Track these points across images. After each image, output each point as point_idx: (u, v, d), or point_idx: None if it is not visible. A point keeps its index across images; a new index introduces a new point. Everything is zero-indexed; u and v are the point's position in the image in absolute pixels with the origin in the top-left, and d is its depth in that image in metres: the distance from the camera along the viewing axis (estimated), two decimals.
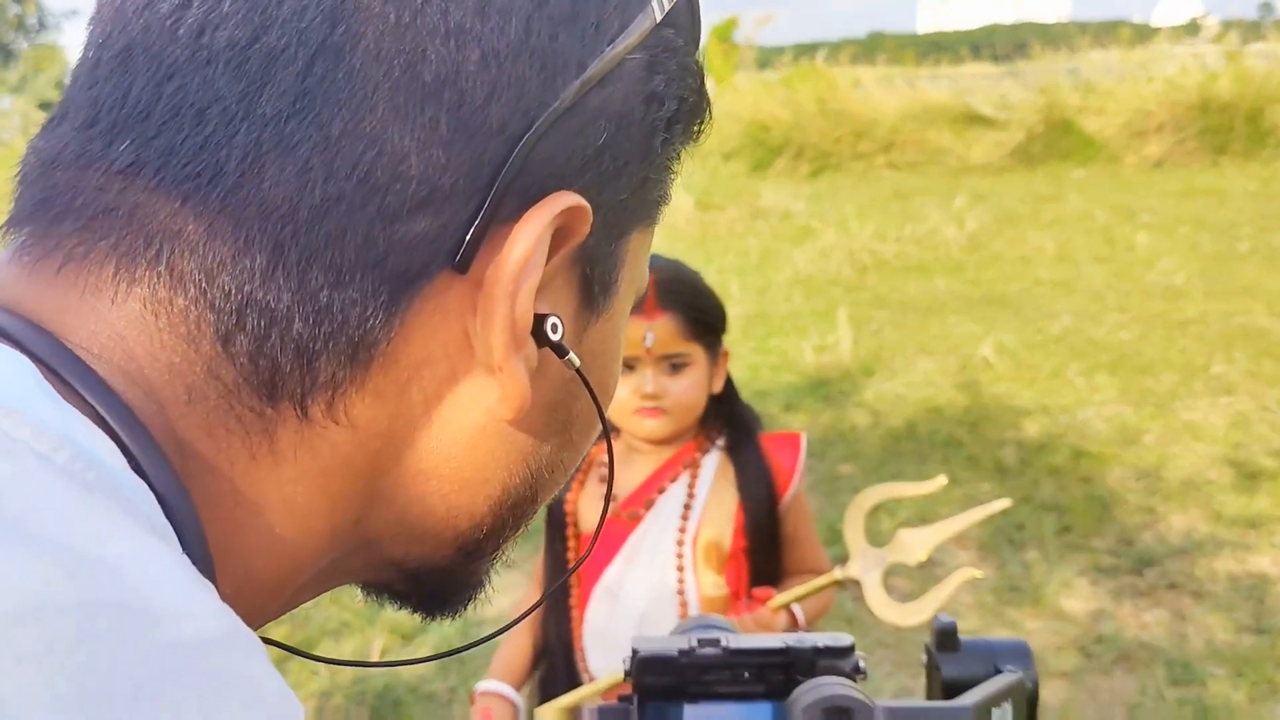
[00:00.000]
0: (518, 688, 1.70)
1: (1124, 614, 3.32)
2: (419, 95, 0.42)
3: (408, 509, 0.48)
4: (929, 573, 2.98)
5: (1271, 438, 4.63)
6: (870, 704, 0.66)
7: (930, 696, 0.81)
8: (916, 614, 1.48)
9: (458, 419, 0.47)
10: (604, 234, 0.48)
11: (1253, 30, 17.98)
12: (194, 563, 0.37)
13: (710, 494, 1.62)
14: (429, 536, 0.50)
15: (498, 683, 1.69)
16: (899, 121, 15.08)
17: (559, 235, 0.45)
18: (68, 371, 0.39)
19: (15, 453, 0.34)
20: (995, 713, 0.73)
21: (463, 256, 0.43)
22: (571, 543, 1.66)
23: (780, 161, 14.65)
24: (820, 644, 0.77)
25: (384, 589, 0.55)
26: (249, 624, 0.45)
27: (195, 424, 0.41)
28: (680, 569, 1.59)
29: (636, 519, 1.62)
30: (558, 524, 1.68)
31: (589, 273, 0.49)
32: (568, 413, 0.52)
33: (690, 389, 1.58)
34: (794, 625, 1.56)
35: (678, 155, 0.53)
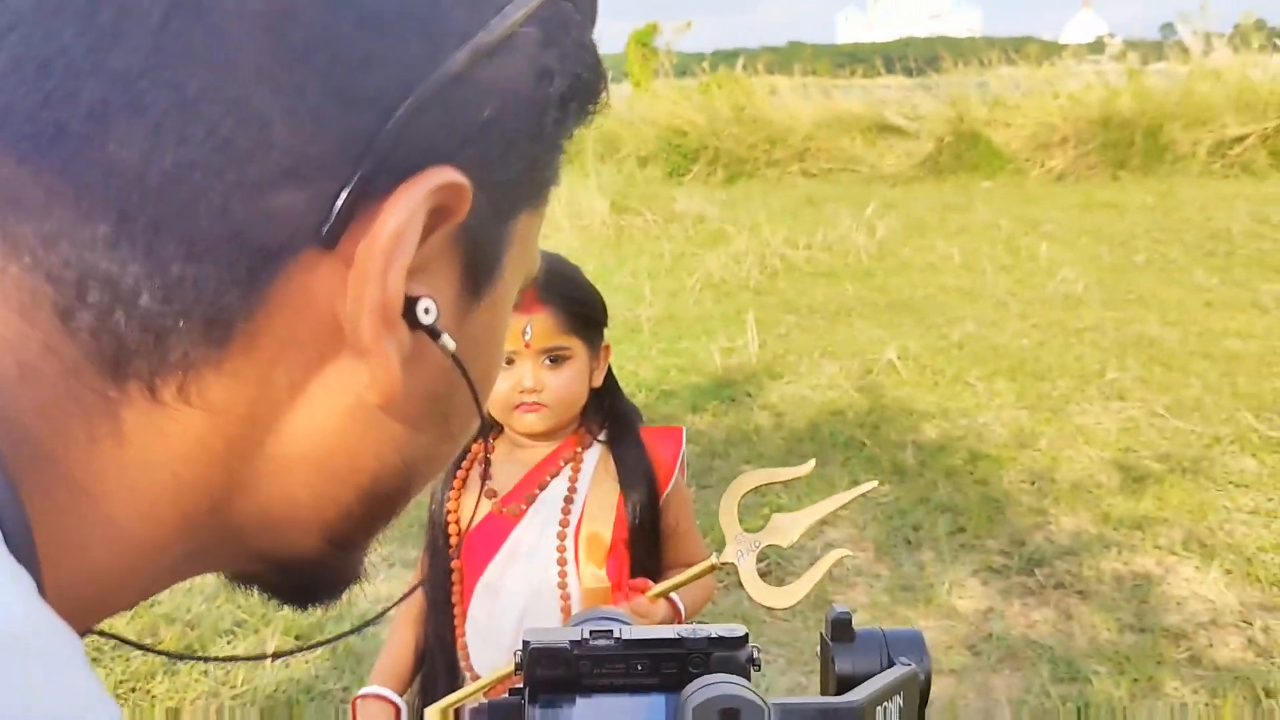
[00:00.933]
0: (401, 691, 1.68)
1: (1013, 613, 3.40)
2: (287, 58, 0.39)
3: (271, 498, 0.45)
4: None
5: (1159, 442, 4.77)
6: (762, 703, 0.66)
7: (824, 689, 0.81)
8: (789, 596, 1.49)
9: (326, 404, 0.44)
10: (488, 214, 0.45)
11: (1154, 50, 18.51)
12: (15, 554, 0.34)
13: (591, 488, 1.62)
14: (295, 527, 0.47)
15: (379, 687, 1.67)
16: (813, 130, 15.26)
17: (436, 214, 0.42)
18: None
19: None
20: (887, 706, 0.73)
21: (330, 231, 0.40)
22: (454, 540, 1.65)
23: (696, 167, 14.74)
24: (714, 634, 0.77)
25: (251, 579, 0.51)
26: (90, 616, 0.42)
27: (27, 405, 0.38)
28: (562, 563, 1.59)
29: (518, 514, 1.61)
30: (438, 524, 1.67)
31: (471, 255, 0.46)
32: (448, 404, 0.49)
33: (570, 383, 1.58)
34: (675, 615, 1.56)
35: (569, 135, 0.50)
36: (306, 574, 0.51)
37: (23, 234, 0.38)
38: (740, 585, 1.52)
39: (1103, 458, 4.60)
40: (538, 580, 1.59)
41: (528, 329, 1.53)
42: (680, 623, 1.59)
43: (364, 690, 1.67)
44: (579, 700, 0.78)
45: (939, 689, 2.99)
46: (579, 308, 1.59)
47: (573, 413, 1.62)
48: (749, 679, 0.73)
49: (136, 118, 0.38)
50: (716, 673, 0.74)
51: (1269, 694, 2.89)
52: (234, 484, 0.43)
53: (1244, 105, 13.69)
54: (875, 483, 1.56)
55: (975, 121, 14.55)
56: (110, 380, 0.39)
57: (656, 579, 1.57)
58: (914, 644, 0.80)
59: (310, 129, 0.39)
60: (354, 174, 0.40)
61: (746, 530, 1.53)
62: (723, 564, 1.53)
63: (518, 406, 1.57)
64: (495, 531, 1.62)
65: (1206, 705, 2.85)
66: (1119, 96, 14.20)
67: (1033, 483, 4.35)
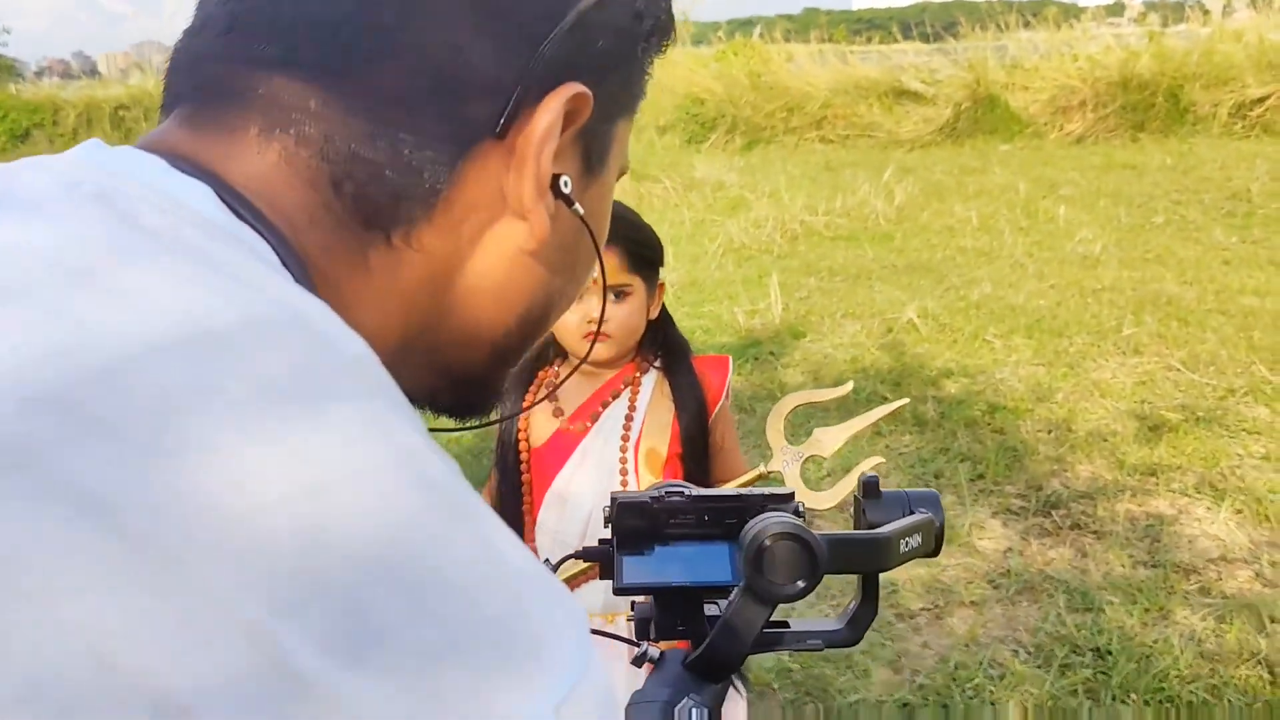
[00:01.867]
0: None
1: (1031, 551, 3.56)
2: (477, 8, 0.57)
3: (461, 321, 0.64)
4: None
5: (1174, 394, 4.91)
6: (807, 532, 0.82)
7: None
8: (830, 498, 1.66)
9: (495, 251, 0.62)
10: (600, 118, 0.63)
11: (1175, 12, 18.43)
12: None
13: (649, 408, 1.80)
14: (474, 343, 0.66)
15: None
16: (830, 96, 15.32)
17: (569, 116, 0.60)
18: (230, 197, 0.53)
19: (169, 211, 0.49)
20: (909, 540, 0.90)
21: (502, 128, 0.58)
22: (524, 455, 1.83)
23: (714, 135, 14.84)
24: (767, 493, 0.94)
25: (427, 396, 0.69)
26: None
27: (314, 242, 0.56)
28: (624, 473, 1.78)
29: (584, 430, 1.80)
30: (508, 443, 1.84)
31: (588, 147, 0.64)
32: (576, 253, 0.69)
33: (631, 315, 1.76)
34: None
35: (651, 61, 0.68)
36: (473, 388, 0.71)
37: (312, 134, 0.57)
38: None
39: (1119, 409, 4.74)
40: (602, 487, 1.78)
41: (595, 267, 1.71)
42: None
43: None
44: (658, 548, 0.94)
45: (959, 620, 3.16)
46: (640, 248, 1.76)
47: (633, 342, 1.80)
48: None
49: (397, 58, 0.57)
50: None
51: (1274, 619, 3.04)
52: (436, 309, 0.62)
53: (1265, 66, 13.67)
54: (906, 400, 1.73)
55: (993, 85, 14.57)
56: (364, 230, 0.58)
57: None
58: (931, 500, 0.96)
59: (491, 56, 0.58)
60: (517, 87, 0.58)
61: (791, 444, 1.70)
62: (770, 472, 1.70)
63: (586, 336, 1.74)
64: (563, 446, 1.81)
65: (1214, 631, 3.01)
66: (1139, 58, 14.20)
67: (1050, 432, 4.50)
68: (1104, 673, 2.84)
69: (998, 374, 5.27)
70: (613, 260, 1.73)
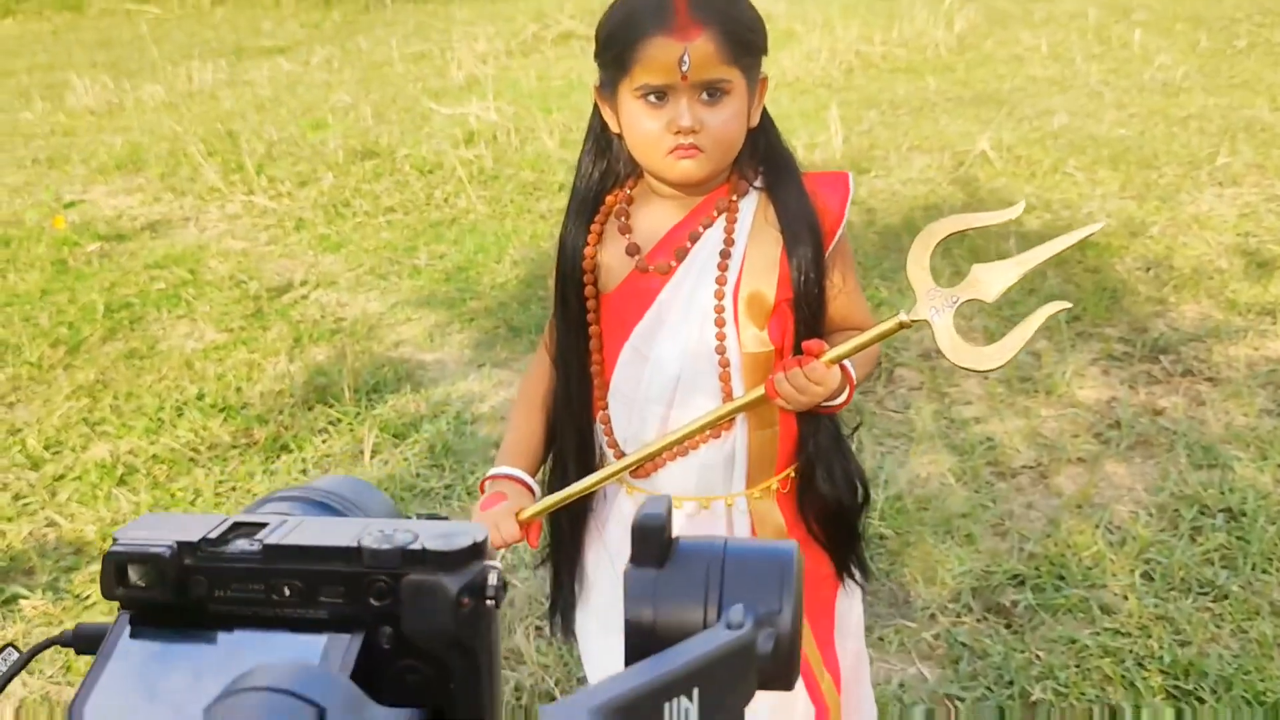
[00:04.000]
0: (532, 472, 1.53)
1: (1139, 401, 3.21)
2: None
3: None
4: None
5: None
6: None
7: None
8: (996, 357, 1.31)
9: None
10: None
11: None
12: None
13: (750, 239, 1.41)
14: None
15: (508, 467, 1.51)
16: None
17: None
18: None
19: None
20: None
21: None
22: (591, 303, 1.46)
23: None
24: (422, 543, 0.49)
25: None
26: None
27: None
28: (720, 324, 1.39)
29: (667, 271, 1.41)
30: (571, 283, 1.47)
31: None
32: None
33: (730, 122, 1.35)
34: (849, 384, 1.38)
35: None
36: None
37: None
38: (935, 347, 1.34)
39: (1222, 244, 4.32)
40: (693, 344, 1.40)
41: (685, 57, 1.29)
42: (852, 391, 1.42)
43: (493, 470, 1.52)
44: (189, 637, 0.50)
45: (1068, 478, 2.83)
46: (743, 31, 1.34)
47: (731, 157, 1.39)
48: (458, 621, 0.48)
49: None
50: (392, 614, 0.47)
51: None
52: None
53: None
54: (1102, 223, 1.35)
55: None
56: None
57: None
58: (769, 577, 0.51)
59: None
60: None
61: (940, 286, 1.34)
62: (913, 321, 1.34)
63: (672, 151, 1.35)
64: (641, 291, 1.42)
65: None
66: None
67: (1149, 270, 4.10)
68: (1241, 538, 2.51)
69: (1084, 208, 4.84)
70: (706, 48, 1.32)
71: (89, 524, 2.86)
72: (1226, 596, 2.34)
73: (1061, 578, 2.43)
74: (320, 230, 5.33)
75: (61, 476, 3.13)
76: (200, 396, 3.53)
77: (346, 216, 5.53)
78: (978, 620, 2.33)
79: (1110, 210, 4.81)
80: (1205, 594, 2.36)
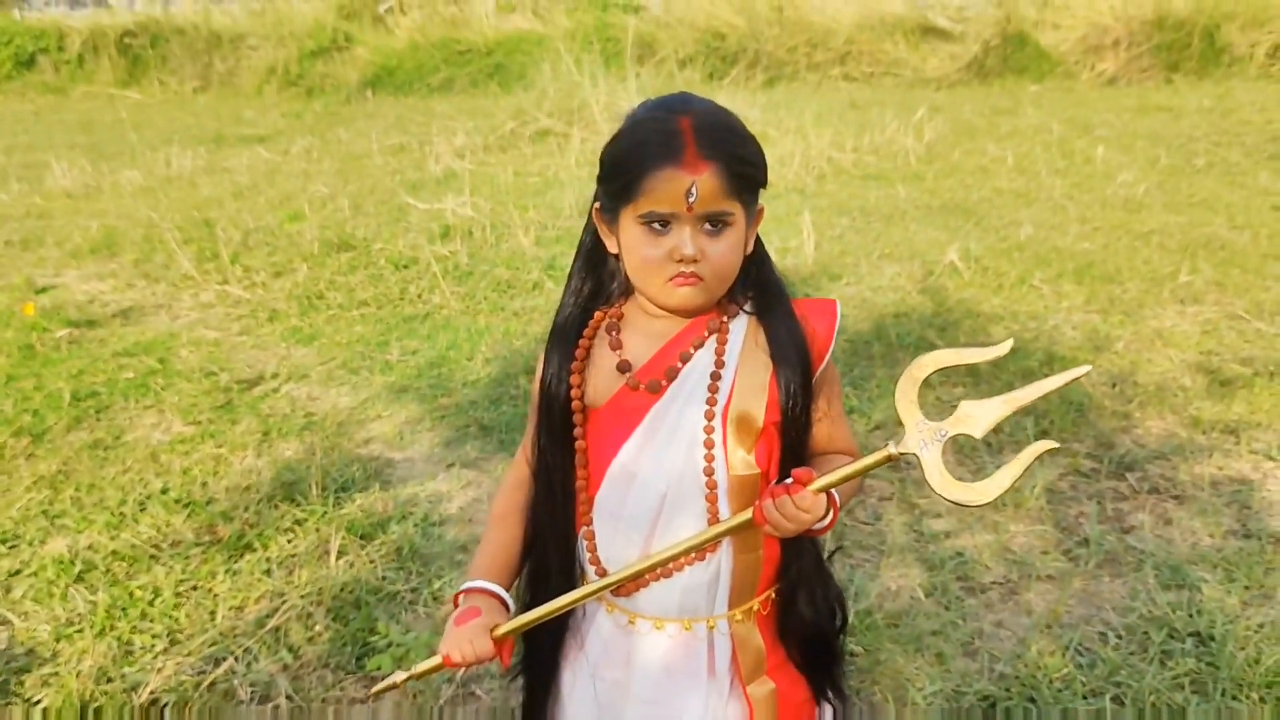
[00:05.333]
0: (506, 586, 1.51)
1: (1107, 518, 3.23)
2: None
3: None
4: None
5: (1241, 345, 4.56)
6: None
7: None
8: (987, 493, 1.31)
9: None
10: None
11: None
12: None
13: (740, 362, 1.42)
14: None
15: (483, 580, 1.50)
16: (855, 32, 14.80)
17: None
18: None
19: None
20: None
21: None
22: (578, 417, 1.46)
23: (735, 70, 14.32)
24: None
25: None
26: None
27: None
28: (709, 445, 1.40)
29: (658, 391, 1.42)
30: (555, 401, 1.46)
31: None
32: None
33: (729, 252, 1.37)
34: (832, 506, 1.38)
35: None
36: None
37: None
38: (923, 480, 1.34)
39: (1185, 361, 4.39)
40: (679, 465, 1.40)
41: (692, 190, 1.32)
42: (835, 517, 1.42)
43: (466, 584, 1.50)
44: None
45: (1037, 596, 2.83)
46: (745, 167, 1.37)
47: (728, 285, 1.41)
48: None
49: None
50: None
51: None
52: None
53: None
54: (1088, 367, 1.38)
55: (1023, 22, 14.05)
56: None
57: (803, 465, 1.39)
58: None
59: None
60: None
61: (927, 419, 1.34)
62: (902, 454, 1.34)
63: (673, 278, 1.37)
64: (630, 409, 1.42)
65: None
66: None
67: (1114, 385, 4.15)
68: (1210, 663, 2.51)
69: (1050, 321, 4.92)
70: (712, 182, 1.34)
71: (43, 623, 2.79)
72: None
73: (1032, 700, 2.42)
74: (293, 322, 5.33)
75: (17, 572, 3.06)
76: (164, 490, 3.47)
77: (320, 309, 5.53)
78: None
79: (1075, 324, 4.89)
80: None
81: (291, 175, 9.66)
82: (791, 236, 6.33)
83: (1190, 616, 2.69)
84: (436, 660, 1.45)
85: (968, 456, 3.58)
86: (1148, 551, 3.01)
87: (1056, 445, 1.35)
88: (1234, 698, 2.40)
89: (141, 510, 3.36)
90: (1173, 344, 4.59)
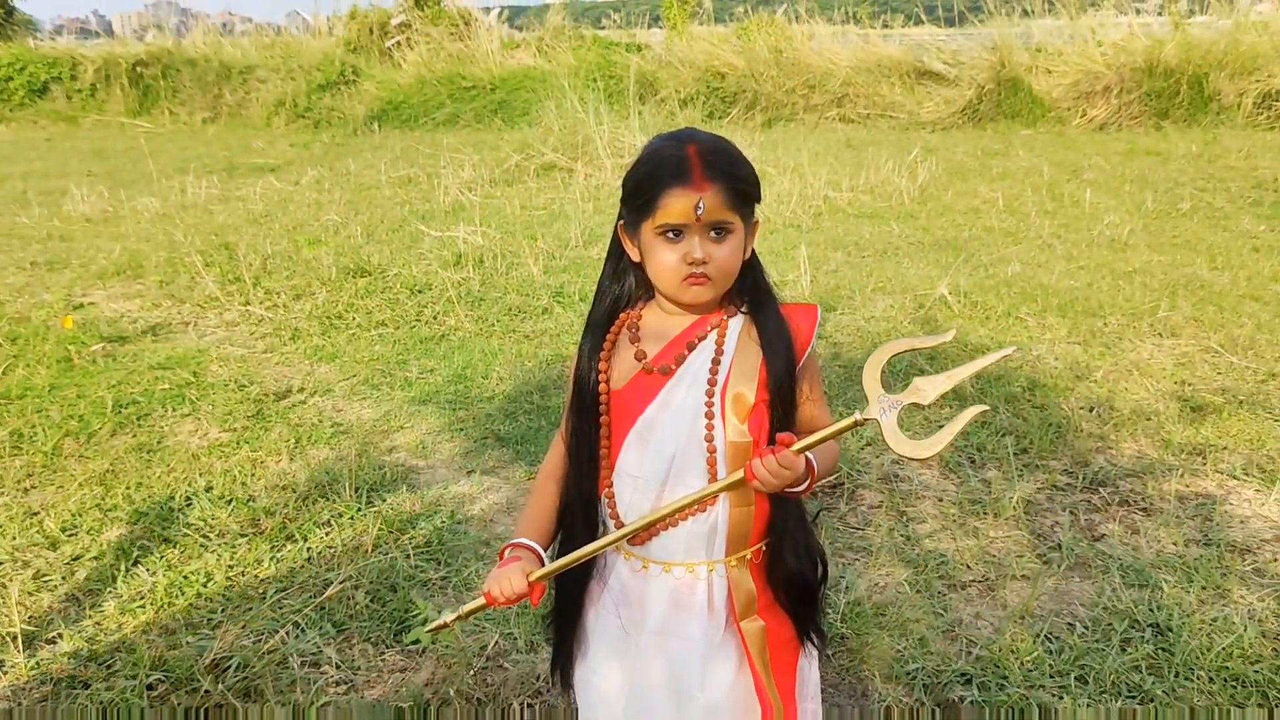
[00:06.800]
0: (544, 545, 1.80)
1: (1080, 526, 3.50)
2: None
3: None
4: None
5: (1214, 377, 4.84)
6: None
7: None
8: (930, 448, 1.59)
9: None
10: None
11: (1197, 2, 18.23)
12: None
13: (736, 352, 1.72)
14: None
15: (523, 538, 1.79)
16: (852, 75, 15.19)
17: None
18: None
19: None
20: None
21: None
22: (603, 398, 1.75)
23: (735, 110, 14.71)
24: None
25: None
26: None
27: None
28: (709, 417, 1.69)
29: (668, 373, 1.72)
30: (586, 385, 1.76)
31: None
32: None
33: (731, 255, 1.67)
34: (811, 472, 1.67)
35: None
36: None
37: None
38: (883, 442, 1.63)
39: (1160, 389, 4.68)
40: (686, 431, 1.70)
41: (700, 204, 1.62)
42: (814, 480, 1.70)
43: (511, 540, 1.79)
44: None
45: (1012, 592, 3.10)
46: (742, 184, 1.67)
47: (730, 283, 1.71)
48: None
49: None
50: None
51: None
52: None
53: None
54: (1015, 347, 1.67)
55: (1017, 68, 14.45)
56: None
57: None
58: None
59: None
60: None
61: (887, 393, 1.63)
62: (865, 420, 1.63)
63: (686, 279, 1.67)
64: (645, 389, 1.73)
65: (1275, 613, 2.95)
66: (1163, 45, 14.07)
67: (1092, 410, 4.44)
68: (1166, 649, 2.78)
69: (1034, 351, 5.21)
70: (716, 198, 1.65)
71: (108, 600, 3.06)
72: (1152, 699, 2.59)
73: (1005, 678, 2.68)
74: (315, 341, 5.61)
75: (78, 557, 3.33)
76: (208, 488, 3.75)
77: (340, 329, 5.81)
78: (929, 714, 2.57)
79: (1058, 354, 5.18)
80: (1133, 697, 2.61)
81: (304, 204, 9.97)
82: (789, 270, 6.64)
83: (1151, 610, 2.96)
84: (480, 601, 1.73)
85: (926, 432, 3.87)
86: (1115, 556, 3.28)
87: (987, 408, 1.64)
88: (1186, 679, 2.66)
89: (188, 505, 3.64)
90: (1149, 374, 4.88)
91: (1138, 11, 17.12)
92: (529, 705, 2.57)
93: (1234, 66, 13.74)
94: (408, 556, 3.26)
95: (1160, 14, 16.99)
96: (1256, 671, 2.68)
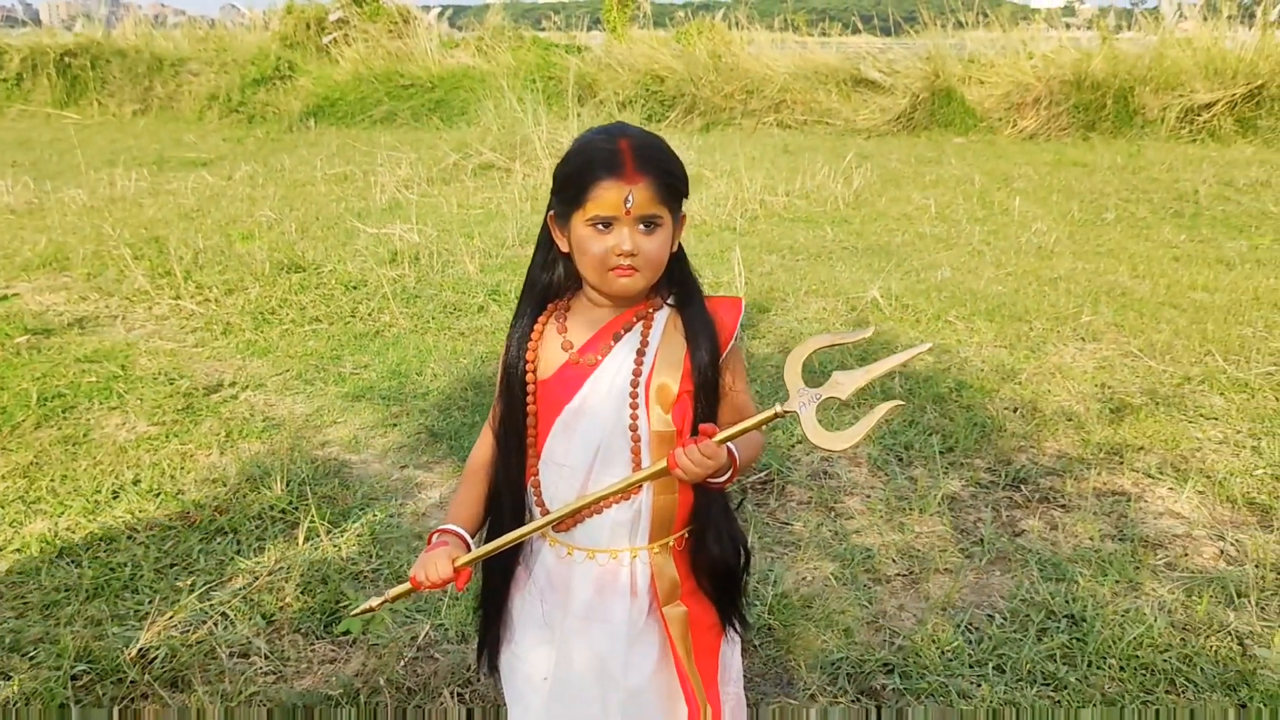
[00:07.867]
0: (472, 532, 1.82)
1: (1001, 522, 3.59)
2: None
3: None
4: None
5: (1133, 380, 4.98)
6: None
7: None
8: (846, 440, 1.64)
9: None
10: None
11: (1125, 17, 18.66)
12: None
13: (661, 343, 1.75)
14: None
15: (452, 524, 1.81)
16: (790, 81, 15.35)
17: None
18: None
19: None
20: None
21: None
22: (531, 387, 1.77)
23: (673, 113, 14.79)
24: None
25: None
26: None
27: None
28: (634, 407, 1.72)
29: (594, 363, 1.75)
30: (515, 374, 1.79)
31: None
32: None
33: (660, 248, 1.70)
34: (732, 462, 1.70)
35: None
36: None
37: None
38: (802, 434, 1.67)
39: (1081, 391, 4.81)
40: (611, 420, 1.73)
41: (629, 197, 1.65)
42: (736, 470, 1.74)
43: (439, 526, 1.81)
44: None
45: (935, 585, 3.18)
46: (672, 179, 1.71)
47: (658, 275, 1.74)
48: None
49: None
50: None
51: (1241, 594, 3.10)
52: None
53: (1213, 73, 13.93)
54: (930, 344, 1.73)
55: (950, 78, 14.69)
56: None
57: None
58: None
59: None
60: None
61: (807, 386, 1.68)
62: (785, 412, 1.67)
63: (614, 269, 1.70)
64: (572, 378, 1.75)
65: (1183, 604, 3.06)
66: (1091, 59, 14.39)
67: (1016, 411, 4.55)
68: (1080, 639, 2.87)
69: (962, 353, 5.32)
70: (646, 191, 1.68)
71: (31, 592, 3.02)
72: (1065, 687, 2.68)
73: (926, 668, 2.75)
74: (248, 335, 5.57)
75: (1, 549, 3.28)
76: (136, 481, 3.71)
77: (273, 324, 5.77)
78: (852, 701, 2.63)
79: (985, 357, 5.30)
80: (1048, 685, 2.70)
81: (237, 199, 9.86)
82: (723, 272, 6.71)
83: (1066, 602, 3.05)
84: (406, 585, 1.75)
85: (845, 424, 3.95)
86: (1034, 550, 3.38)
87: (902, 403, 1.70)
88: (1098, 668, 2.75)
89: (115, 498, 3.60)
90: (1071, 377, 5.00)
91: (1068, 26, 17.49)
92: (459, 695, 2.59)
93: (1158, 81, 14.09)
94: (339, 549, 3.26)
95: (1089, 28, 17.40)
96: (1165, 660, 2.78)
